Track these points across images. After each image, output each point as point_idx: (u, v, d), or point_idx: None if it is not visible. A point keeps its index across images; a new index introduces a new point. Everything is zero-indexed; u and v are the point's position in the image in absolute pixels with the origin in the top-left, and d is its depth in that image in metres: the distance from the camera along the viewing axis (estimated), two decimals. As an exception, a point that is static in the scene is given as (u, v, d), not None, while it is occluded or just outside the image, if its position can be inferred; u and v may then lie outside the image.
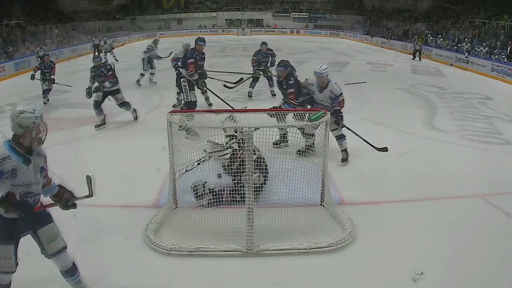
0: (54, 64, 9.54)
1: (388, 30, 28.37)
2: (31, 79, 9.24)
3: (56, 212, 4.20)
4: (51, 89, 9.37)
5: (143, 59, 10.85)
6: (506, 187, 4.80)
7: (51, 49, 18.35)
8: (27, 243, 3.54)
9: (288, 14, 38.43)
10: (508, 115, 8.46)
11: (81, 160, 5.59)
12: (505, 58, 14.78)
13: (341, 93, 5.37)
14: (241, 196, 3.76)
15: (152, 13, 37.09)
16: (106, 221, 3.97)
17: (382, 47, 25.38)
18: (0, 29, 17.85)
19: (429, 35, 22.28)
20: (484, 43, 17.28)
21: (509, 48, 15.01)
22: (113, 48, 18.03)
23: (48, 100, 9.32)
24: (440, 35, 21.59)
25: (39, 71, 9.18)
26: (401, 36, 25.57)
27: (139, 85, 10.85)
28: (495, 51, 16.04)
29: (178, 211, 4.07)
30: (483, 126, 7.61)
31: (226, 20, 38.40)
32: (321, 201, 4.15)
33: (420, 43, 19.42)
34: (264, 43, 9.43)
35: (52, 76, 9.22)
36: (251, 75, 9.14)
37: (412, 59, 18.05)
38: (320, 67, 5.27)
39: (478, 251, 3.54)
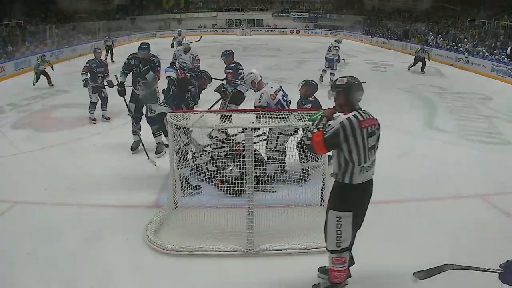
0: (106, 62, 7.96)
1: (388, 30, 28.37)
2: (84, 86, 7.23)
3: (56, 212, 4.21)
4: (107, 98, 7.41)
5: (327, 58, 11.26)
6: (506, 187, 4.79)
7: (51, 49, 18.34)
8: (27, 242, 3.56)
9: (288, 14, 38.39)
10: (508, 115, 8.45)
11: (81, 160, 5.60)
12: (505, 58, 14.78)
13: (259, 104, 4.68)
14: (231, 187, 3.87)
15: (152, 13, 37.06)
16: (106, 221, 3.97)
17: (382, 47, 25.37)
18: (0, 29, 17.84)
19: (430, 34, 22.25)
20: (486, 43, 17.27)
21: (509, 48, 14.99)
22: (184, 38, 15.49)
23: (94, 118, 7.46)
24: (440, 35, 21.54)
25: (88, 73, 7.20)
26: (401, 36, 25.56)
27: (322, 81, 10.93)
28: (495, 51, 16.04)
29: (178, 211, 4.07)
30: (483, 126, 7.60)
31: (226, 20, 38.38)
32: (321, 201, 4.15)
33: (426, 50, 14.91)
34: (225, 53, 6.86)
35: (106, 79, 7.20)
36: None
37: (409, 68, 14.37)
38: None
39: (478, 251, 3.53)
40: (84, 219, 4.02)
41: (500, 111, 8.80)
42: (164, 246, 3.47)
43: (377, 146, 2.77)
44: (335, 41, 11.37)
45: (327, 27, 36.07)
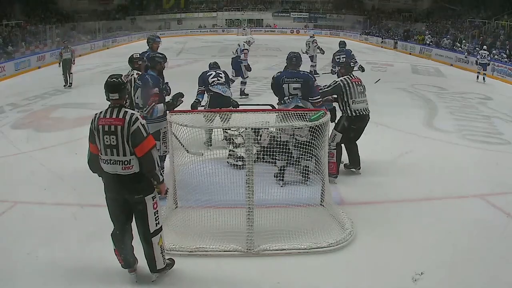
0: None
1: (388, 30, 28.36)
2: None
3: (56, 212, 4.21)
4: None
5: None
6: (506, 187, 4.80)
7: (51, 49, 18.34)
8: (27, 242, 3.56)
9: (288, 14, 38.44)
10: (508, 115, 8.45)
11: (81, 160, 5.58)
12: (505, 58, 14.78)
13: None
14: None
15: (152, 13, 37.12)
16: (107, 221, 3.96)
17: (382, 47, 25.38)
18: (0, 29, 17.84)
19: (435, 35, 22.19)
20: (486, 43, 17.25)
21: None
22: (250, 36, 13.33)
23: None
24: (449, 36, 21.39)
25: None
26: (402, 36, 25.54)
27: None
28: (494, 51, 16.02)
29: (178, 211, 4.07)
30: (483, 126, 7.60)
31: (226, 20, 38.41)
32: (321, 201, 4.14)
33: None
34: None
35: None
36: None
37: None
38: None
39: (478, 251, 3.53)
40: (84, 219, 4.02)
41: (500, 111, 8.80)
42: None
43: (118, 143, 2.80)
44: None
45: (327, 27, 36.09)
